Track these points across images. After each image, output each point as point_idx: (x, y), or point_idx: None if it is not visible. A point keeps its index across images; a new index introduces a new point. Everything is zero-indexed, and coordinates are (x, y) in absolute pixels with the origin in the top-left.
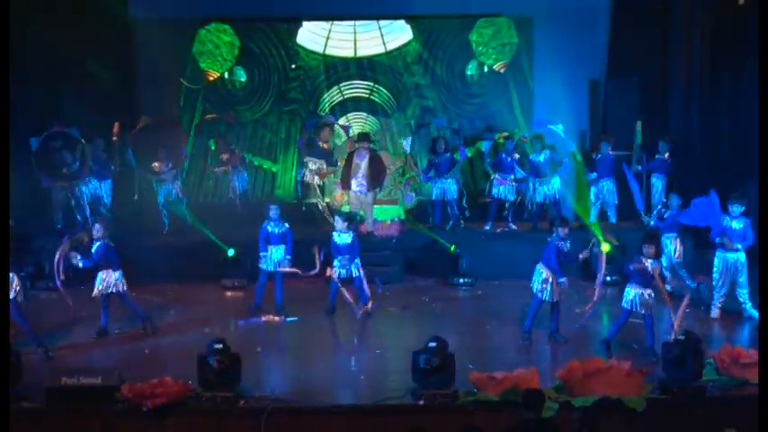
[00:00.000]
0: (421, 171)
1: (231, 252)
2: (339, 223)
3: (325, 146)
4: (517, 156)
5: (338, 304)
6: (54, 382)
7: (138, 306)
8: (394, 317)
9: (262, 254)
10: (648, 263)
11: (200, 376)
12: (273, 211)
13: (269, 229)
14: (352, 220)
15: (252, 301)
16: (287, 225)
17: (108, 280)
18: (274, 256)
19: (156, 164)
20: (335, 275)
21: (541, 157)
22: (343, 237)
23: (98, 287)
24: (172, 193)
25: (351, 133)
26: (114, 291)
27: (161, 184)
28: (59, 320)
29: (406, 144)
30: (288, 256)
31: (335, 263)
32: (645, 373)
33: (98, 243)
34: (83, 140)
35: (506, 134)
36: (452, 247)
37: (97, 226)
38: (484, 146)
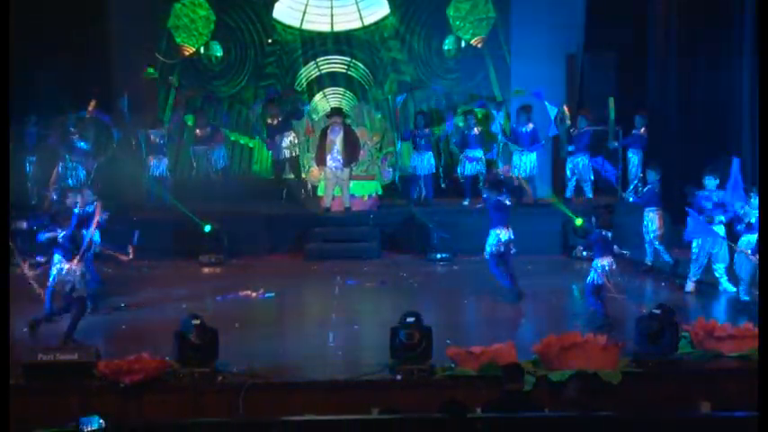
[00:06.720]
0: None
1: (208, 228)
2: None
3: (275, 122)
4: (479, 129)
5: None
6: (30, 359)
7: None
8: (371, 292)
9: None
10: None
11: (178, 352)
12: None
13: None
14: None
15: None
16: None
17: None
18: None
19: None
20: None
21: (526, 129)
22: None
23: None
24: (160, 167)
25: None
26: None
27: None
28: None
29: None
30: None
31: None
32: (620, 347)
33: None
34: (113, 131)
35: (467, 110)
36: None
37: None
38: (446, 125)
